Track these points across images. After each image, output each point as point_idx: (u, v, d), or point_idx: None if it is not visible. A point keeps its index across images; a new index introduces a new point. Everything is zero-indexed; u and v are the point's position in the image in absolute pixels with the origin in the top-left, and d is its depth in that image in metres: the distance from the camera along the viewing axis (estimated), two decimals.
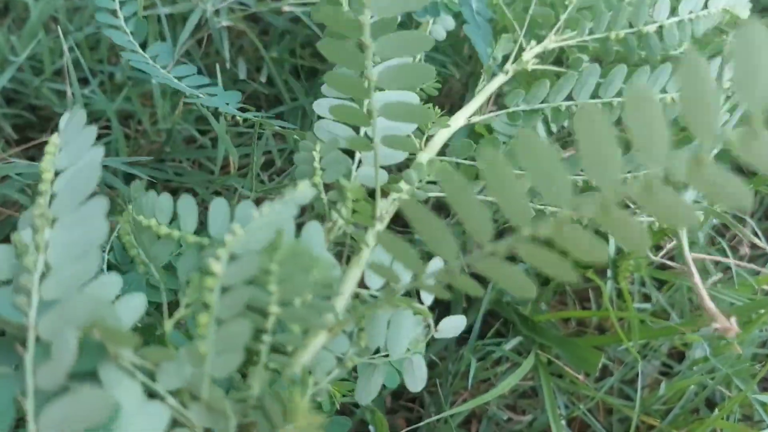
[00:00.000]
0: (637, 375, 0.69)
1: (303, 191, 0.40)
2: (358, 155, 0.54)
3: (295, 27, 0.82)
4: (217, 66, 0.70)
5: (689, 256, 0.58)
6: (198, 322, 0.34)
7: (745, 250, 0.80)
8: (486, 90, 0.65)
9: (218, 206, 0.43)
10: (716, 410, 0.62)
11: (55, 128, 0.71)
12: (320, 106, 0.53)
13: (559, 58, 0.72)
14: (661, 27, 0.67)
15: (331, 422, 0.54)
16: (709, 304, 0.54)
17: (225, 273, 0.35)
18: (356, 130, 0.54)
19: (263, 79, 0.79)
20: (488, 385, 0.70)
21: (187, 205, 0.45)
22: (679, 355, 0.75)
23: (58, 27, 0.69)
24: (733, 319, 0.52)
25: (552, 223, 0.28)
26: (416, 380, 0.52)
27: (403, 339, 0.50)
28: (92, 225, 0.34)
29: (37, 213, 0.35)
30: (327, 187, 0.52)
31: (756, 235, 0.79)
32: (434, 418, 0.64)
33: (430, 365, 0.75)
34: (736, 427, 0.61)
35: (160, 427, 0.31)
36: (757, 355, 0.72)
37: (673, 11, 0.68)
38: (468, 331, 0.73)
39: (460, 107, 0.79)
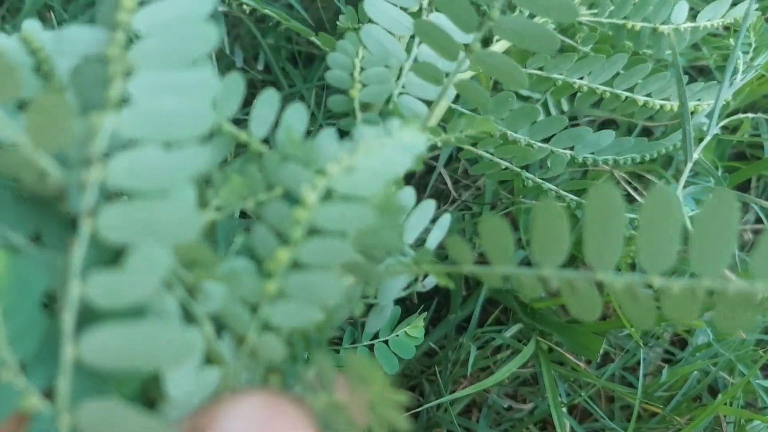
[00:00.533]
0: (639, 362, 0.69)
1: (414, 138, 0.31)
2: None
3: (290, 14, 0.81)
4: (213, 54, 0.70)
5: None
6: (275, 257, 0.28)
7: (748, 235, 0.79)
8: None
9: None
10: (719, 396, 0.62)
11: None
12: (373, 6, 0.46)
13: (563, 30, 0.71)
14: (676, 30, 0.66)
15: None
16: None
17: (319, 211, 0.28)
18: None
19: (260, 66, 0.78)
20: (488, 373, 0.70)
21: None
22: (681, 343, 0.74)
23: (53, 15, 0.68)
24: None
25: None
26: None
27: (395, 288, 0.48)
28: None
29: None
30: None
31: (760, 221, 0.78)
32: (433, 403, 0.63)
33: (430, 353, 0.74)
34: (740, 412, 0.61)
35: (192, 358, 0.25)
36: (761, 341, 0.71)
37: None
38: (467, 319, 0.73)
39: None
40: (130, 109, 0.24)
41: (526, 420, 0.69)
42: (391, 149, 0.30)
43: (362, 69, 0.47)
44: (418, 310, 0.59)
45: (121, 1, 0.25)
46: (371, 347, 0.54)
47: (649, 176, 0.71)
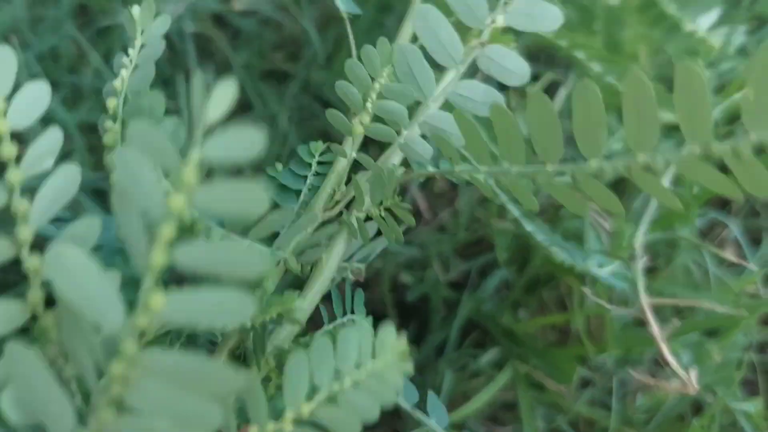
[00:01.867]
0: (620, 384, 0.68)
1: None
2: None
3: (265, 30, 0.80)
4: (183, 74, 0.69)
5: (646, 302, 0.56)
6: None
7: (729, 252, 0.79)
8: None
9: None
10: (693, 421, 0.61)
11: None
12: (424, 17, 0.40)
13: None
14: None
15: None
16: (670, 358, 0.53)
17: None
18: None
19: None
20: (466, 397, 0.69)
21: None
22: (663, 363, 0.74)
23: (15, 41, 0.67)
24: (693, 375, 0.50)
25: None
26: None
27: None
28: None
29: None
30: None
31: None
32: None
33: (410, 379, 0.73)
34: None
35: None
36: (740, 363, 0.71)
37: None
38: (447, 340, 0.72)
39: None
40: None
41: None
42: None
43: (379, 93, 0.42)
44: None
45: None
46: None
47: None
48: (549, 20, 0.40)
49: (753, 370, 0.77)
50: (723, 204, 0.80)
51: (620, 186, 0.78)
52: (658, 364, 0.73)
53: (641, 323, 0.71)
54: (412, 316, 0.75)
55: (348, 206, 0.47)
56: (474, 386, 0.68)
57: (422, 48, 0.41)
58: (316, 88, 0.78)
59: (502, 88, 0.42)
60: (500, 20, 0.40)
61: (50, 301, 0.26)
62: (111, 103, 0.38)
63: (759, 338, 0.76)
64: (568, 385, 0.64)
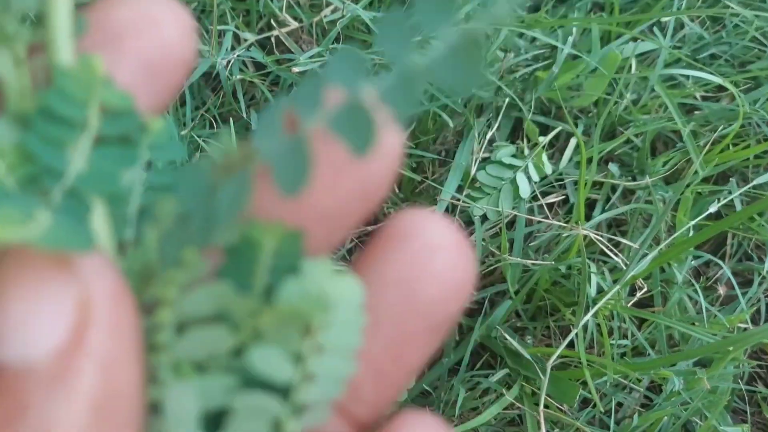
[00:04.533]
0: (618, 405, 0.75)
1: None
2: None
3: (302, 78, 0.88)
4: (231, 117, 0.77)
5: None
6: None
7: (720, 291, 0.85)
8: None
9: None
10: None
11: None
12: None
13: None
14: None
15: None
16: None
17: None
18: None
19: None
20: (477, 413, 0.76)
21: None
22: (658, 389, 0.80)
23: None
24: None
25: None
26: None
27: None
28: None
29: None
30: None
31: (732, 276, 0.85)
32: None
33: (423, 394, 0.80)
34: None
35: None
36: (734, 389, 0.77)
37: None
38: (459, 362, 0.79)
39: (454, 154, 0.85)
40: None
41: None
42: None
43: None
44: None
45: None
46: None
47: (624, 240, 0.77)
48: None
49: (743, 400, 0.83)
50: (718, 247, 0.88)
51: (621, 224, 0.85)
52: (654, 389, 0.79)
53: (639, 352, 0.78)
54: None
55: None
56: (484, 403, 0.75)
57: None
58: None
59: None
60: None
61: None
62: None
63: (749, 370, 0.83)
64: (571, 405, 0.70)
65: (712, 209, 0.69)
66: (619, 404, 0.76)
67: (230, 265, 0.27)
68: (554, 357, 0.64)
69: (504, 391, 0.70)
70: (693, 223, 0.68)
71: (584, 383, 0.74)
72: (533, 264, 0.75)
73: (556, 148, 0.88)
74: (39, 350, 0.22)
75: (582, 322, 0.65)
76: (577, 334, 0.67)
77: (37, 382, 0.22)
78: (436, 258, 0.29)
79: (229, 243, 0.27)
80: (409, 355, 0.29)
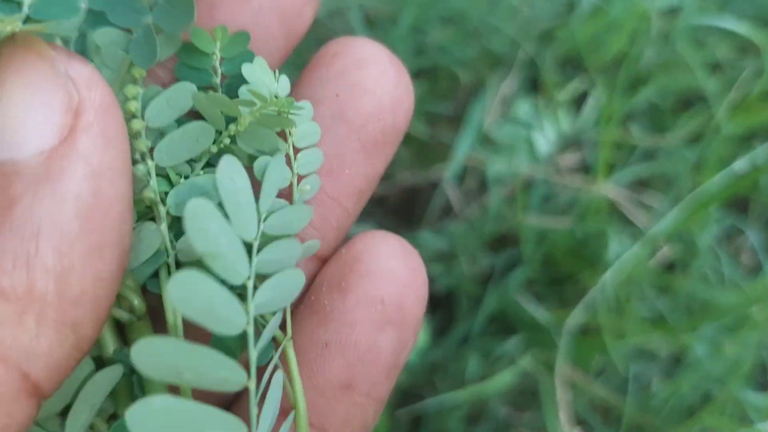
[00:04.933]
0: (634, 376, 0.71)
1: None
2: None
3: (312, 30, 0.84)
4: None
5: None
6: None
7: (745, 258, 0.82)
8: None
9: None
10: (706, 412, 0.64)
11: None
12: None
13: None
14: None
15: None
16: None
17: None
18: None
19: None
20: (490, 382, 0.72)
21: None
22: (678, 362, 0.77)
23: None
24: None
25: None
26: None
27: None
28: None
29: None
30: None
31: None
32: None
33: (434, 365, 0.77)
34: (727, 423, 0.63)
35: None
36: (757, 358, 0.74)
37: None
38: (470, 333, 0.76)
39: (465, 112, 0.81)
40: None
41: (524, 429, 0.72)
42: None
43: None
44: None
45: None
46: None
47: (646, 198, 0.74)
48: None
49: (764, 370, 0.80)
50: (741, 215, 0.84)
51: (642, 190, 0.82)
52: (674, 363, 0.76)
53: (660, 317, 0.74)
54: (439, 307, 0.78)
55: None
56: (497, 370, 0.71)
57: None
58: None
59: None
60: None
61: None
62: None
63: None
64: (589, 370, 0.67)
65: (738, 166, 0.65)
66: (634, 376, 0.73)
67: (185, 70, 0.30)
68: (572, 317, 0.61)
69: (519, 354, 0.66)
70: (717, 178, 0.64)
71: (602, 351, 0.71)
72: (550, 225, 0.72)
73: (574, 107, 0.84)
74: (28, 150, 0.22)
75: (603, 280, 0.61)
76: (596, 295, 0.64)
77: (27, 182, 0.22)
78: (366, 72, 0.30)
79: (178, 51, 0.30)
80: (349, 175, 0.30)
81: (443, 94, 0.82)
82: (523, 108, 0.77)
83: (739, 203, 0.84)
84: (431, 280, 0.72)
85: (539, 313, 0.69)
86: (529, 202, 0.77)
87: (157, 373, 0.21)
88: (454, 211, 0.80)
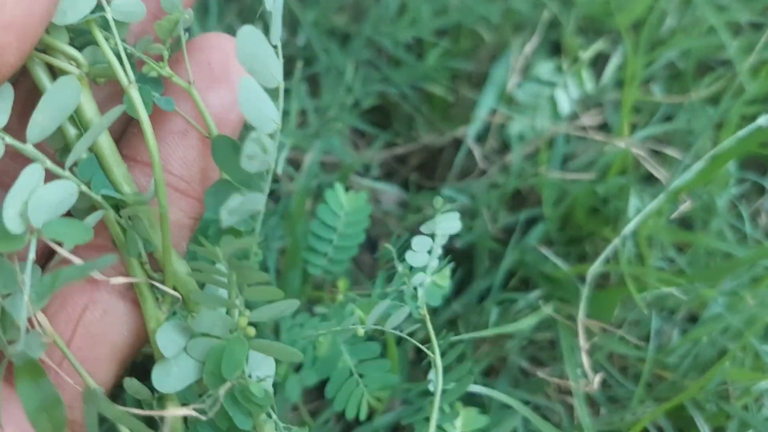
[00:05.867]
0: (654, 333, 0.72)
1: None
2: None
3: None
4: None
5: None
6: None
7: (765, 219, 0.82)
8: None
9: None
10: (725, 361, 0.64)
11: None
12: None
13: None
14: None
15: (364, 347, 0.57)
16: None
17: None
18: None
19: (300, 43, 0.83)
20: (508, 338, 0.73)
21: None
22: (696, 321, 0.77)
23: None
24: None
25: None
26: None
27: None
28: None
29: None
30: None
31: None
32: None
33: (454, 320, 0.78)
34: (746, 374, 0.64)
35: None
36: None
37: None
38: (489, 289, 0.77)
39: (487, 74, 0.82)
40: None
41: (543, 383, 0.72)
42: None
43: None
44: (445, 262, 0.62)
45: None
46: (401, 293, 0.58)
47: (668, 151, 0.74)
48: None
49: None
50: (763, 171, 0.84)
51: (664, 144, 0.82)
52: (694, 318, 0.77)
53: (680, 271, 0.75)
54: (460, 263, 0.79)
55: None
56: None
57: None
58: (380, 44, 0.83)
59: None
60: None
61: None
62: None
63: None
64: (609, 320, 0.68)
65: (762, 121, 0.65)
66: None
67: None
68: (595, 265, 0.62)
69: (541, 304, 0.67)
70: (740, 134, 0.65)
71: (622, 304, 0.71)
72: (572, 178, 0.73)
73: (595, 69, 0.85)
74: None
75: (625, 231, 0.62)
76: (617, 246, 0.65)
77: None
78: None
79: None
80: None
81: (466, 54, 0.83)
82: (546, 67, 0.78)
83: (759, 165, 0.84)
84: (452, 235, 0.73)
85: (559, 266, 0.70)
86: (550, 159, 0.77)
87: None
88: (476, 170, 0.80)
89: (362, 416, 0.57)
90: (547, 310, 0.65)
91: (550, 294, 0.73)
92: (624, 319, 0.71)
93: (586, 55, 0.77)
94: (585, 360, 0.59)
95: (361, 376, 0.57)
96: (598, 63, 0.85)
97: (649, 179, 0.81)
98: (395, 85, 0.81)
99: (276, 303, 0.34)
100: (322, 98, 0.80)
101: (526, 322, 0.63)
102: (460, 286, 0.79)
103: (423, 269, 0.52)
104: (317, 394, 0.73)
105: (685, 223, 0.79)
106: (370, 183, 0.81)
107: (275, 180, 0.79)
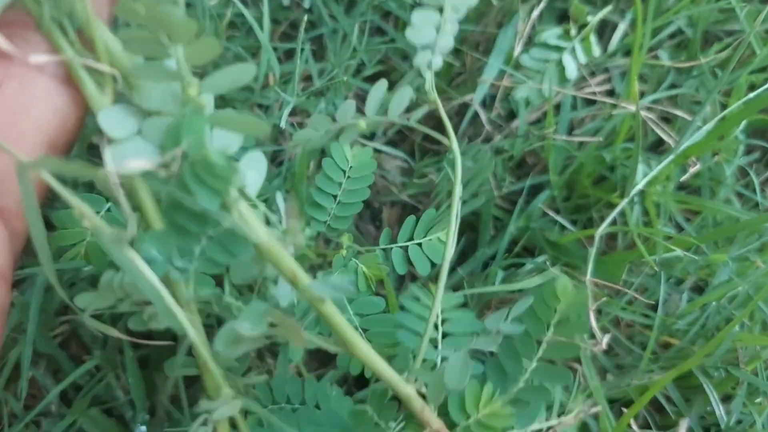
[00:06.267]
0: (661, 301, 0.71)
1: None
2: None
3: None
4: None
5: None
6: None
7: None
8: None
9: None
10: (734, 325, 0.63)
11: None
12: None
13: None
14: None
15: (367, 302, 0.56)
16: None
17: None
18: None
19: (306, 5, 0.82)
20: (513, 302, 0.72)
21: None
22: (703, 290, 0.76)
23: None
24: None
25: None
26: None
27: None
28: None
29: None
30: None
31: None
32: None
33: (457, 287, 0.77)
34: (755, 338, 0.63)
35: None
36: None
37: None
38: (493, 257, 0.76)
39: (494, 41, 0.81)
40: None
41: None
42: None
43: None
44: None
45: None
46: (406, 249, 0.57)
47: (677, 112, 0.73)
48: None
49: None
50: None
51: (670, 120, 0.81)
52: (699, 287, 0.76)
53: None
54: (464, 230, 0.78)
55: None
56: (522, 290, 0.71)
57: None
58: (384, 8, 0.82)
59: None
60: None
61: None
62: None
63: None
64: (617, 281, 0.67)
65: None
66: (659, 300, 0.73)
67: None
68: (603, 226, 0.61)
69: (548, 264, 0.66)
70: (750, 96, 0.64)
71: (629, 269, 0.70)
72: (578, 145, 0.72)
73: (601, 40, 0.84)
74: None
75: (634, 191, 0.61)
76: (624, 207, 0.64)
77: None
78: None
79: None
80: None
81: (473, 20, 0.82)
82: (554, 33, 0.77)
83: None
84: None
85: (567, 228, 0.69)
86: (557, 124, 0.76)
87: None
88: (482, 136, 0.79)
89: (367, 374, 0.56)
90: (554, 270, 0.64)
91: (555, 259, 0.72)
92: (631, 285, 0.70)
93: (595, 19, 0.76)
94: (593, 320, 0.58)
95: (365, 331, 0.56)
96: (605, 32, 0.84)
97: (657, 148, 0.81)
98: (401, 49, 0.80)
99: (228, 68, 0.32)
100: (326, 61, 0.79)
101: (533, 281, 0.62)
102: (464, 254, 0.78)
103: (430, 47, 0.44)
104: (322, 358, 0.73)
105: (694, 192, 0.78)
106: (376, 147, 0.80)
107: (278, 143, 0.78)
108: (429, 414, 0.40)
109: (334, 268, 0.56)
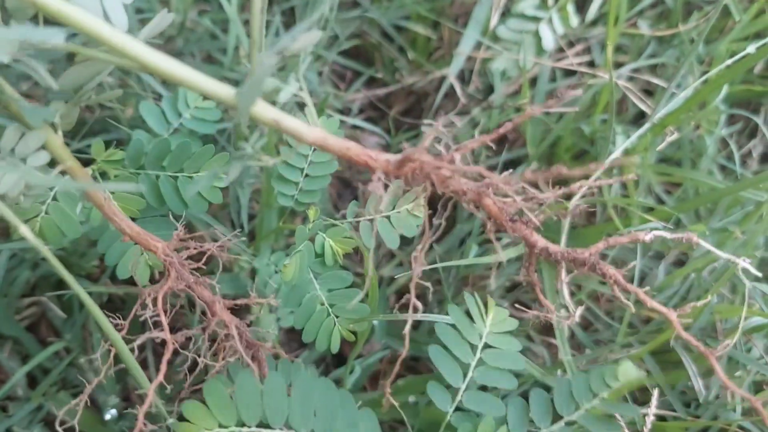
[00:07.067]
0: (642, 276, 0.70)
1: None
2: None
3: None
4: None
5: None
6: None
7: (754, 164, 0.80)
8: None
9: None
10: (712, 293, 0.62)
11: None
12: None
13: None
14: None
15: (334, 276, 0.54)
16: None
17: None
18: None
19: None
20: (489, 280, 0.71)
21: None
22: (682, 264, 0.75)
23: None
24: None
25: None
26: None
27: None
28: None
29: None
30: None
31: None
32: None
33: (435, 269, 0.75)
34: (734, 309, 0.62)
35: None
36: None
37: None
38: (470, 234, 0.74)
39: (470, 13, 0.79)
40: None
41: (526, 325, 0.70)
42: None
43: None
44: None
45: None
46: (371, 222, 0.55)
47: (657, 81, 0.71)
48: None
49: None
50: (755, 108, 0.82)
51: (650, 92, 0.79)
52: (681, 261, 0.74)
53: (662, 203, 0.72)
54: (442, 208, 0.77)
55: None
56: (498, 265, 0.70)
57: None
58: None
59: None
60: None
61: None
62: None
63: None
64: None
65: (750, 49, 0.62)
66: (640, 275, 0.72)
67: None
68: (577, 196, 0.59)
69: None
70: (730, 62, 0.62)
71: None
72: (556, 118, 0.70)
73: (581, 8, 0.82)
74: None
75: (611, 158, 0.60)
76: (601, 176, 0.62)
77: None
78: None
79: None
80: None
81: None
82: (530, 2, 0.75)
83: (749, 104, 0.82)
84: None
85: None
86: (534, 96, 0.75)
87: None
88: (459, 109, 0.78)
89: (333, 349, 0.55)
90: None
91: None
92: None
93: None
94: (566, 293, 0.57)
95: (331, 306, 0.54)
96: (584, 2, 0.83)
97: (639, 120, 0.79)
98: (376, 21, 0.78)
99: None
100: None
101: (506, 254, 0.60)
102: (442, 233, 0.76)
103: None
104: (299, 340, 0.71)
105: (676, 165, 0.77)
106: (352, 122, 0.78)
107: None
108: None
109: (297, 240, 0.54)
